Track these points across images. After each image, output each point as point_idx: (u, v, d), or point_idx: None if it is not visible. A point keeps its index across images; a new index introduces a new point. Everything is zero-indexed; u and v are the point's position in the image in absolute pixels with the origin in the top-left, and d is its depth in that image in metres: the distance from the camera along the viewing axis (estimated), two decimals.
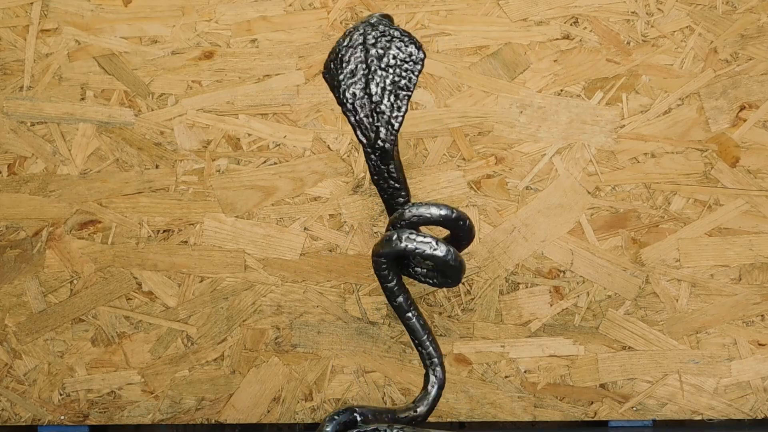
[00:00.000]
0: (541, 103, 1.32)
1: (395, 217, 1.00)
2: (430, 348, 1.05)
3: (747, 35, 1.31)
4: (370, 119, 1.00)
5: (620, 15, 1.31)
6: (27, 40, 1.33)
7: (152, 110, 1.33)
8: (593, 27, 1.31)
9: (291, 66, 1.32)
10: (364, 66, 1.00)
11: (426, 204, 0.99)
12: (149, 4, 1.32)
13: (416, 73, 0.99)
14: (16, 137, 1.34)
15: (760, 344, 1.32)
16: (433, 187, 1.33)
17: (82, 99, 1.33)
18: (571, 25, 1.31)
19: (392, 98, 0.99)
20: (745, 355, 1.32)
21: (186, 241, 1.34)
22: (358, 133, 1.01)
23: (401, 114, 0.99)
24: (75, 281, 1.34)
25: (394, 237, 0.98)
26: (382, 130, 1.00)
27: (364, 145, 1.01)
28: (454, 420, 1.34)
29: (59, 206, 1.34)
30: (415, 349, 1.31)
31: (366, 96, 1.00)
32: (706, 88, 1.31)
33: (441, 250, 0.98)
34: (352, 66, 1.00)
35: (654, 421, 1.34)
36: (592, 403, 1.33)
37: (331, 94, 1.32)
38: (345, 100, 1.01)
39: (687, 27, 1.31)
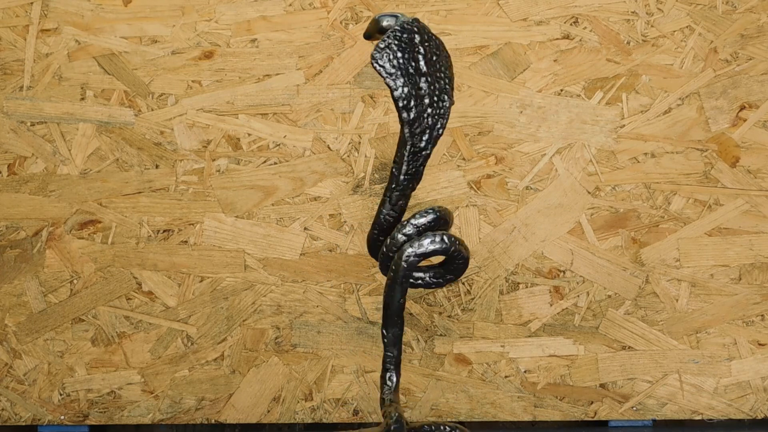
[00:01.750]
0: (541, 103, 1.32)
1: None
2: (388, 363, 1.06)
3: (747, 35, 1.31)
4: (430, 114, 0.99)
5: (620, 15, 1.31)
6: (27, 40, 1.33)
7: (152, 110, 1.33)
8: (593, 27, 1.31)
9: (291, 66, 1.32)
10: (431, 63, 0.98)
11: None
12: (149, 4, 1.32)
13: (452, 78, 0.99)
14: (16, 137, 1.34)
15: (760, 344, 1.32)
16: (433, 186, 1.33)
17: (82, 99, 1.33)
18: (571, 24, 1.31)
19: (445, 97, 0.99)
20: (745, 355, 1.32)
21: (186, 241, 1.34)
22: (412, 125, 0.98)
23: (448, 115, 0.99)
24: (75, 281, 1.34)
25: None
26: (434, 128, 0.99)
27: (408, 138, 0.99)
28: (454, 420, 1.34)
29: (59, 206, 1.34)
30: (417, 349, 1.31)
31: (434, 93, 0.99)
32: (706, 88, 1.31)
33: (444, 239, 0.99)
34: (428, 61, 0.98)
35: (654, 421, 1.34)
36: (592, 403, 1.33)
37: (330, 95, 1.33)
38: (402, 96, 0.98)
39: (687, 27, 1.31)
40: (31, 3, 1.33)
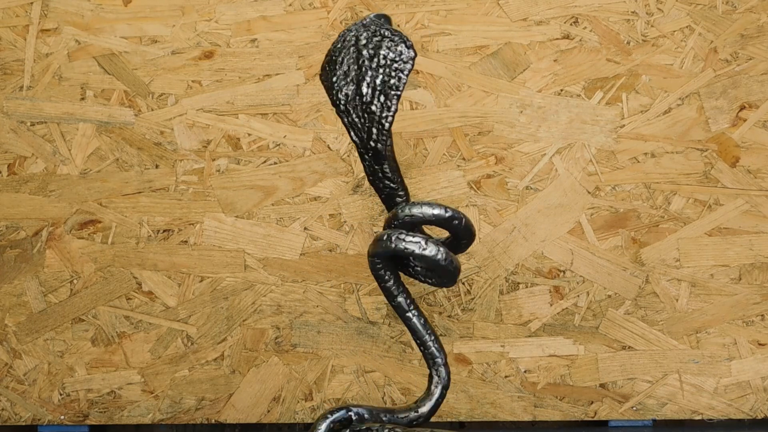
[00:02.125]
0: (541, 103, 1.32)
1: (389, 216, 1.00)
2: (432, 348, 1.05)
3: (747, 35, 1.31)
4: (362, 120, 1.00)
5: (620, 15, 1.31)
6: (27, 40, 1.33)
7: (152, 110, 1.33)
8: (593, 27, 1.31)
9: (291, 66, 1.32)
10: (356, 67, 1.00)
11: (419, 203, 0.99)
12: (149, 4, 1.32)
13: (406, 73, 0.99)
14: (16, 137, 1.34)
15: (760, 344, 1.32)
16: (433, 186, 1.33)
17: (82, 99, 1.33)
18: (571, 24, 1.31)
19: (382, 98, 0.99)
20: (745, 355, 1.32)
21: (186, 241, 1.34)
22: (352, 134, 1.01)
23: (391, 114, 0.99)
24: (75, 281, 1.34)
25: (385, 237, 0.98)
26: (374, 130, 1.00)
27: (357, 146, 1.01)
28: (454, 420, 1.34)
29: (59, 206, 1.34)
30: (418, 349, 1.31)
31: (357, 97, 1.00)
32: (706, 87, 1.31)
33: (430, 250, 0.97)
34: (345, 67, 1.00)
35: (654, 421, 1.34)
36: (592, 402, 1.33)
37: None
38: (338, 102, 1.01)
39: (687, 27, 1.31)
40: (31, 3, 1.33)
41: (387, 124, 0.99)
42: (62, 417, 1.35)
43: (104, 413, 1.35)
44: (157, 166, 1.34)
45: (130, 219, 1.34)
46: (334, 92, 1.01)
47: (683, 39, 1.31)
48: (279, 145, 1.33)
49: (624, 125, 1.32)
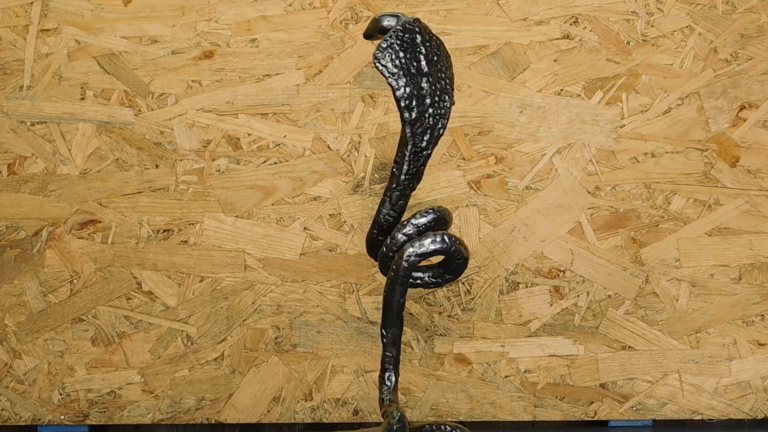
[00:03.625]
0: (541, 103, 1.32)
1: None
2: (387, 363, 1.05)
3: (747, 35, 1.31)
4: (432, 114, 0.99)
5: (620, 15, 1.31)
6: (27, 40, 1.33)
7: (152, 110, 1.33)
8: (593, 27, 1.31)
9: (291, 66, 1.32)
10: (433, 63, 0.98)
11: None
12: (149, 3, 1.32)
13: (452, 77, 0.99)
14: (16, 137, 1.34)
15: (760, 344, 1.32)
16: (433, 186, 1.33)
17: (82, 99, 1.33)
18: (571, 24, 1.31)
19: (446, 97, 0.98)
20: (745, 355, 1.32)
21: (186, 241, 1.34)
22: (417, 128, 0.98)
23: (449, 115, 0.99)
24: (75, 281, 1.34)
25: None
26: (434, 129, 0.99)
27: (410, 138, 0.99)
28: (454, 420, 1.34)
29: (59, 206, 1.34)
30: (418, 349, 1.31)
31: (438, 92, 0.98)
32: (706, 87, 1.31)
33: (440, 239, 0.99)
34: (431, 61, 0.98)
35: (654, 420, 1.34)
36: (592, 402, 1.33)
37: (329, 94, 1.33)
38: (404, 96, 0.98)
39: (687, 27, 1.31)
40: (31, 3, 1.33)
41: (446, 123, 0.99)
42: (62, 417, 1.35)
43: (104, 413, 1.35)
44: (157, 166, 1.34)
45: (130, 219, 1.34)
46: (409, 81, 0.97)
47: (683, 39, 1.31)
48: (279, 145, 1.33)
49: (624, 125, 1.32)
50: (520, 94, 1.32)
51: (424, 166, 1.00)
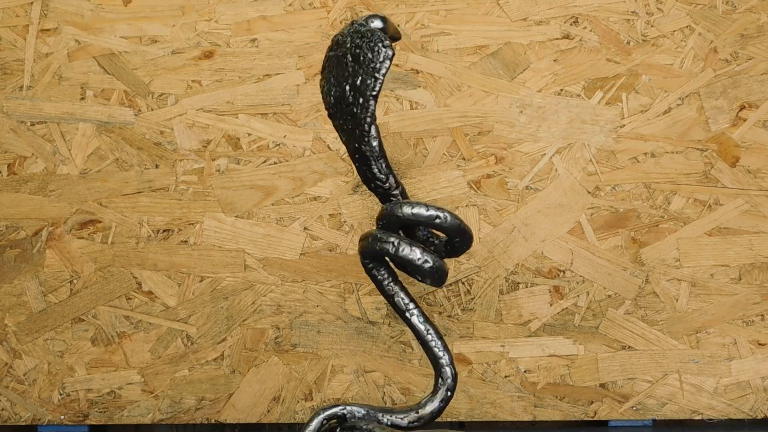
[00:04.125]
0: (541, 103, 1.32)
1: (376, 217, 1.01)
2: (434, 348, 1.04)
3: (747, 35, 1.31)
4: (347, 122, 1.00)
5: (620, 15, 1.31)
6: (27, 40, 1.33)
7: (152, 110, 1.33)
8: (593, 27, 1.31)
9: (291, 66, 1.32)
10: (341, 70, 1.00)
11: (402, 204, 0.99)
12: (149, 3, 1.32)
13: (382, 72, 0.98)
14: (16, 137, 1.34)
15: (760, 344, 1.32)
16: (432, 186, 1.33)
17: (82, 99, 1.33)
18: (571, 24, 1.31)
19: (361, 99, 0.99)
20: (745, 355, 1.32)
21: (186, 241, 1.34)
22: (340, 135, 1.01)
23: (369, 115, 0.98)
24: (75, 281, 1.34)
25: (366, 237, 0.99)
26: (356, 132, 0.99)
27: (346, 148, 1.01)
28: (454, 420, 1.34)
29: (59, 206, 1.34)
30: (418, 349, 1.31)
31: (342, 100, 0.99)
32: (706, 87, 1.31)
33: (403, 250, 0.98)
34: (334, 71, 1.00)
35: (654, 420, 1.34)
36: (592, 402, 1.33)
37: None
38: (327, 105, 1.01)
39: (687, 27, 1.31)
40: (31, 3, 1.33)
41: (366, 126, 0.98)
42: (62, 417, 1.35)
43: (104, 413, 1.35)
44: (157, 166, 1.34)
45: (130, 219, 1.34)
46: (324, 95, 1.01)
47: (683, 39, 1.31)
48: (279, 145, 1.33)
49: (624, 125, 1.32)
50: (520, 94, 1.32)
51: (371, 158, 1.00)
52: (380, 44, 0.98)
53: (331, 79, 1.00)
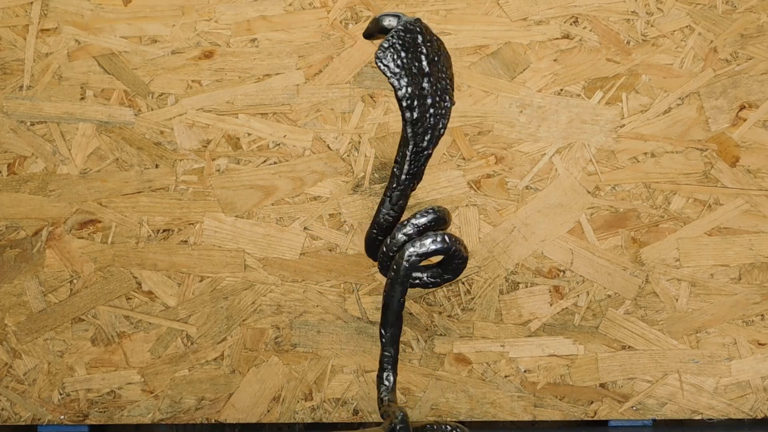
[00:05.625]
0: (540, 103, 1.32)
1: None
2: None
3: (747, 35, 1.31)
4: (430, 118, 0.99)
5: (620, 14, 1.31)
6: (27, 40, 1.33)
7: (152, 110, 1.33)
8: (593, 26, 1.31)
9: (291, 65, 1.32)
10: (434, 64, 0.98)
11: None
12: (149, 3, 1.32)
13: (452, 78, 0.99)
14: (15, 137, 1.34)
15: (760, 344, 1.32)
16: (432, 186, 1.33)
17: (82, 99, 1.33)
18: (571, 24, 1.31)
19: (447, 98, 0.99)
20: (745, 355, 1.32)
21: (186, 241, 1.34)
22: (410, 131, 0.98)
23: (447, 116, 0.99)
24: (75, 281, 1.34)
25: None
26: (435, 132, 0.99)
27: (415, 139, 0.99)
28: (454, 420, 1.34)
29: (59, 206, 1.34)
30: (417, 348, 1.31)
31: (421, 98, 0.98)
32: (706, 87, 1.31)
33: (440, 239, 0.99)
34: (435, 61, 0.98)
35: (654, 420, 1.34)
36: (592, 402, 1.33)
37: (329, 94, 1.33)
38: (410, 99, 0.97)
39: (687, 26, 1.31)
40: (31, 3, 1.33)
41: (443, 129, 0.99)
42: (62, 417, 1.35)
43: (104, 413, 1.35)
44: (157, 166, 1.34)
45: (130, 219, 1.34)
46: (403, 82, 0.97)
47: (683, 39, 1.31)
48: (279, 144, 1.33)
49: (624, 125, 1.32)
50: (520, 94, 1.32)
51: (425, 165, 1.00)
52: (446, 50, 0.99)
53: (423, 69, 0.97)
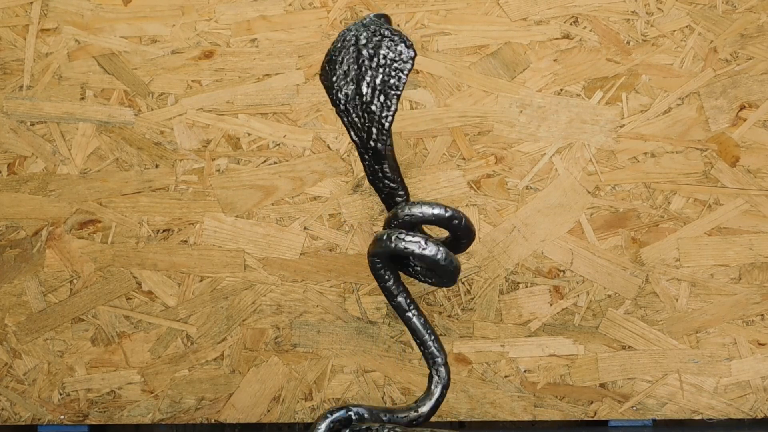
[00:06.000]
0: (540, 103, 1.32)
1: (389, 216, 1.01)
2: (432, 348, 1.05)
3: (747, 35, 1.31)
4: (362, 119, 1.00)
5: (620, 14, 1.31)
6: (27, 40, 1.33)
7: (152, 110, 1.33)
8: (593, 26, 1.31)
9: (291, 65, 1.32)
10: (356, 66, 1.00)
11: (419, 203, 0.99)
12: (149, 3, 1.32)
13: (405, 72, 0.99)
14: (15, 137, 1.34)
15: (760, 344, 1.32)
16: (432, 186, 1.33)
17: (82, 98, 1.33)
18: (571, 24, 1.31)
19: (382, 98, 1.00)
20: (745, 355, 1.32)
21: (186, 241, 1.34)
22: (351, 133, 1.01)
23: (391, 113, 0.99)
24: (75, 281, 1.34)
25: (384, 236, 0.98)
26: (374, 129, 1.00)
27: (357, 146, 1.01)
28: (454, 420, 1.34)
29: (59, 206, 1.34)
30: (418, 349, 1.31)
31: (357, 96, 1.00)
32: (706, 87, 1.31)
33: (430, 250, 0.98)
34: (345, 67, 1.01)
35: (654, 420, 1.34)
36: (592, 402, 1.33)
37: None
38: (338, 101, 1.01)
39: (687, 26, 1.31)
40: (31, 3, 1.33)
41: (387, 124, 0.99)
42: (62, 417, 1.35)
43: (104, 413, 1.35)
44: (157, 166, 1.34)
45: (130, 219, 1.34)
46: (334, 92, 1.01)
47: (683, 39, 1.31)
48: (279, 144, 1.33)
49: (624, 125, 1.32)
50: (520, 94, 1.32)
51: (384, 151, 1.01)
52: (403, 44, 0.99)
53: (342, 76, 1.01)
